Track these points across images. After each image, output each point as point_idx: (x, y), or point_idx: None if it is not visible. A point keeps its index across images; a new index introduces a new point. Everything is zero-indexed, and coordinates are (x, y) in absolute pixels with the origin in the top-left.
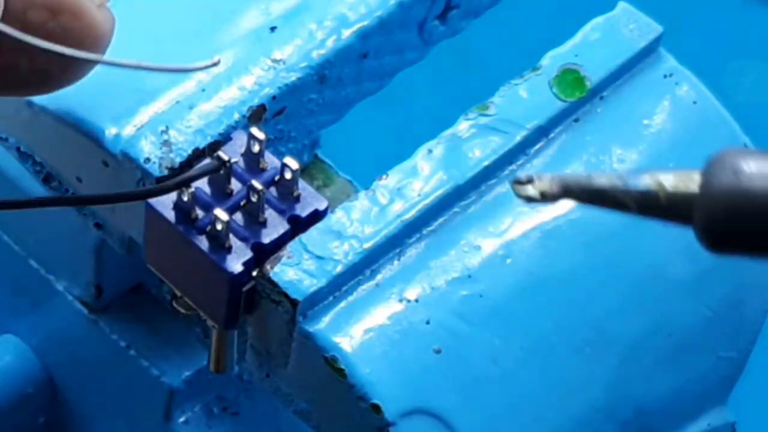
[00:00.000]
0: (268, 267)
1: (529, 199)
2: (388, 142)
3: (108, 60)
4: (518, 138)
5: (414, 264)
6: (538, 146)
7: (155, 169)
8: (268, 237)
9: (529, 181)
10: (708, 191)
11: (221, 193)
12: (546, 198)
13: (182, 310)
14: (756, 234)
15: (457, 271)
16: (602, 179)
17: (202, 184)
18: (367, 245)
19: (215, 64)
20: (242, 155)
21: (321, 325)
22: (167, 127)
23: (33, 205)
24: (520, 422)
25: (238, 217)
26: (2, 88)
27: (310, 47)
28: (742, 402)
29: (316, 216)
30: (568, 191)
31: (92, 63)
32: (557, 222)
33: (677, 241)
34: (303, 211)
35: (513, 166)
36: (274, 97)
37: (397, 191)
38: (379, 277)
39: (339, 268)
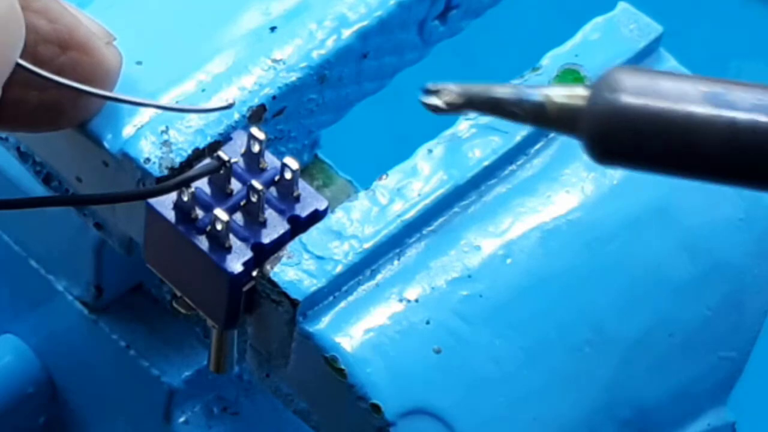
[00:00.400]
0: (268, 267)
1: (436, 109)
2: (388, 142)
3: (118, 96)
4: (518, 138)
5: (414, 264)
6: (538, 146)
7: (155, 169)
8: (268, 237)
9: (436, 91)
10: (589, 106)
11: (221, 193)
12: (451, 108)
13: (182, 310)
14: (633, 148)
15: (457, 271)
16: (500, 90)
17: (202, 184)
18: (367, 245)
19: (230, 106)
20: (242, 155)
21: (321, 325)
22: (167, 127)
23: (33, 205)
24: (520, 422)
25: (238, 217)
26: (12, 123)
27: (310, 47)
28: (742, 402)
29: (316, 216)
30: (470, 102)
31: (102, 99)
32: (557, 222)
33: (678, 241)
34: (303, 211)
35: (513, 166)
36: (274, 97)
37: (397, 191)
38: (379, 277)
39: (339, 268)
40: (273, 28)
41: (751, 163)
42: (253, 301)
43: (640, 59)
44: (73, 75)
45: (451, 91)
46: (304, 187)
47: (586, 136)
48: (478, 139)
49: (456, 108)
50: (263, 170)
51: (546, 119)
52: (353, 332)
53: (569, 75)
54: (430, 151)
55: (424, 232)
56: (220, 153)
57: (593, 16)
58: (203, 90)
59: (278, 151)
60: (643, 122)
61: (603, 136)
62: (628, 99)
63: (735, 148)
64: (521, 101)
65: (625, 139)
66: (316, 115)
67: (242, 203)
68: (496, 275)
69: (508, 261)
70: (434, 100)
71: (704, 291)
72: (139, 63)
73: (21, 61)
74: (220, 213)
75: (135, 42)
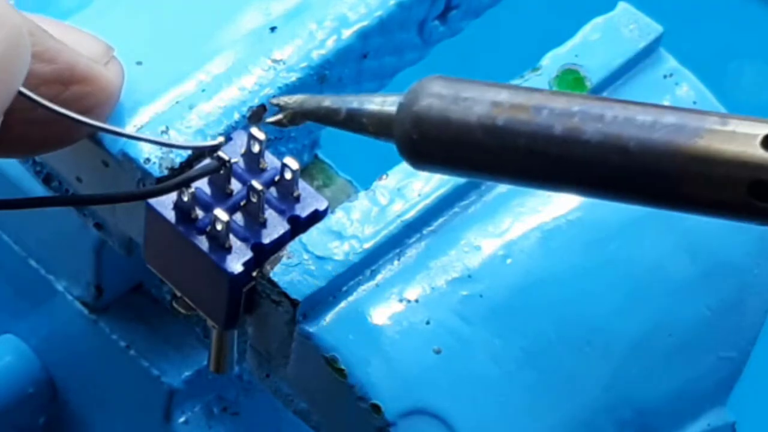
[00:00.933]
0: (268, 267)
1: (277, 123)
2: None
3: (121, 131)
4: None
5: (414, 264)
6: None
7: (155, 169)
8: (268, 237)
9: (279, 106)
10: (398, 113)
11: (221, 193)
12: (292, 122)
13: (182, 310)
14: (437, 150)
15: (457, 271)
16: (328, 101)
17: (202, 184)
18: (367, 245)
19: (219, 145)
20: (242, 155)
21: (321, 325)
22: (167, 127)
23: (33, 205)
24: (520, 422)
25: (238, 217)
26: (13, 153)
27: (310, 47)
28: (742, 402)
29: (316, 216)
30: (306, 115)
31: (104, 114)
32: (557, 222)
33: (678, 241)
34: (303, 211)
35: None
36: (274, 97)
37: (397, 191)
38: (379, 277)
39: (339, 268)
40: (273, 28)
41: (547, 168)
42: (253, 301)
43: (640, 59)
44: (76, 106)
45: (290, 106)
46: (304, 187)
47: (396, 141)
48: None
49: (296, 121)
50: (263, 170)
51: (365, 127)
52: (353, 332)
53: (569, 75)
54: None
55: (424, 232)
56: (220, 153)
57: (593, 16)
58: (203, 90)
59: (278, 151)
60: (442, 127)
61: (408, 141)
62: (427, 106)
63: (525, 154)
64: (342, 111)
65: (427, 143)
66: None
67: (242, 203)
68: (496, 275)
69: (508, 261)
70: (277, 117)
71: (704, 291)
72: (139, 63)
73: (24, 90)
74: (220, 213)
75: (135, 42)
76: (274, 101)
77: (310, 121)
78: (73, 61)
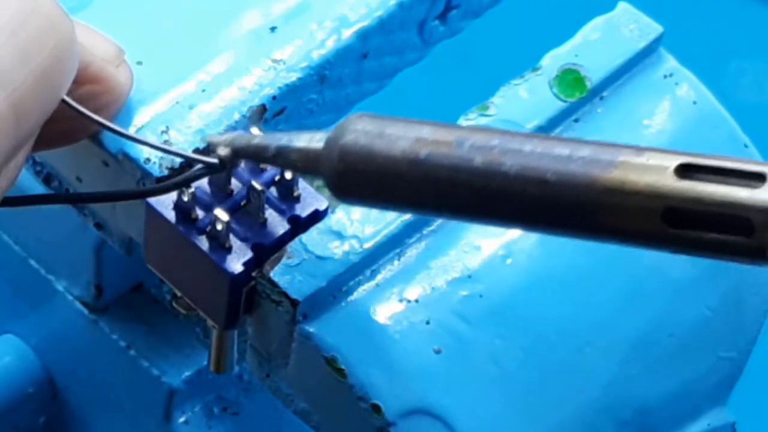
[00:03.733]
0: (268, 267)
1: (218, 170)
2: None
3: (135, 137)
4: None
5: (414, 264)
6: None
7: (155, 169)
8: (268, 237)
9: (210, 150)
10: (324, 147)
11: (221, 193)
12: (228, 162)
13: (182, 310)
14: (363, 183)
15: (457, 271)
16: (257, 139)
17: (202, 184)
18: (367, 245)
19: (216, 164)
20: None
21: (321, 325)
22: (167, 127)
23: (33, 203)
24: (520, 422)
25: (239, 217)
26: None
27: (310, 47)
28: (742, 402)
29: (317, 216)
30: (237, 153)
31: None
32: None
33: None
34: (303, 211)
35: None
36: (274, 97)
37: None
38: (379, 277)
39: (339, 268)
40: (273, 29)
41: (469, 200)
42: (253, 301)
43: (640, 59)
44: (85, 106)
45: (220, 144)
46: (304, 187)
47: (323, 175)
48: None
49: (229, 161)
50: (263, 170)
51: (293, 163)
52: (353, 332)
53: (569, 75)
54: None
55: (424, 232)
56: (220, 153)
57: (593, 16)
58: (203, 90)
59: None
60: (368, 160)
61: (335, 175)
62: (353, 140)
63: (448, 185)
64: (270, 148)
65: (353, 176)
66: (316, 115)
67: (242, 203)
68: (496, 275)
69: (508, 261)
70: (214, 158)
71: (704, 291)
72: (139, 63)
73: (66, 98)
74: (221, 213)
75: (135, 42)
76: (208, 139)
77: (242, 158)
78: (87, 61)
